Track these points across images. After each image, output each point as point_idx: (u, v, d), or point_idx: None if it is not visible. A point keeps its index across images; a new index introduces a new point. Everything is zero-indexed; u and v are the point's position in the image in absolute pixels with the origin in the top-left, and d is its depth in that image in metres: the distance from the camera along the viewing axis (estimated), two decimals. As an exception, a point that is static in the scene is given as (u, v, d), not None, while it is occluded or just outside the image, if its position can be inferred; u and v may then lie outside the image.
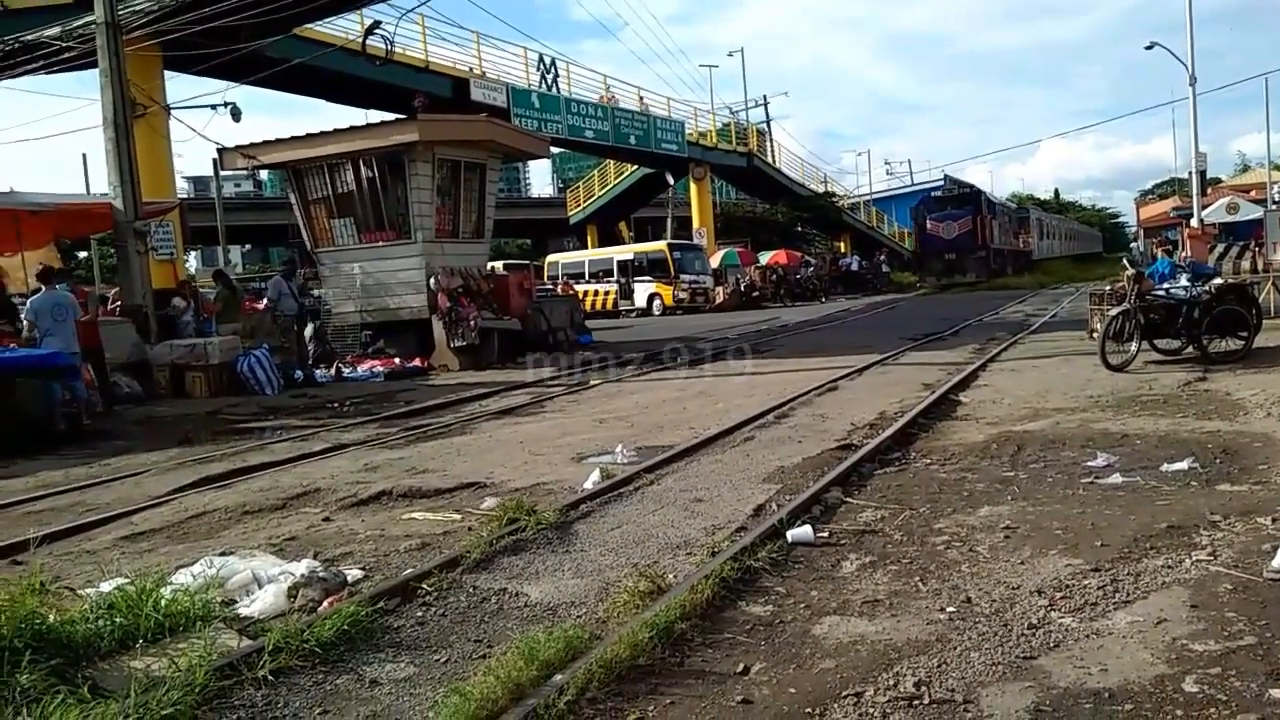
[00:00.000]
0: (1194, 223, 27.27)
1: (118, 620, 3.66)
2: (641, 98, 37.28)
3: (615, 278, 34.75)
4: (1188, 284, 10.17)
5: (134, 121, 14.57)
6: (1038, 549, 4.28)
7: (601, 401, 10.66)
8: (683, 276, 33.37)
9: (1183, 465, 5.59)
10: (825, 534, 4.71)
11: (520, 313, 16.96)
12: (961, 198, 42.57)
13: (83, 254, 38.60)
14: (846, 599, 3.85)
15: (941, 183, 46.38)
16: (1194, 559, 4.00)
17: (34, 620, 3.48)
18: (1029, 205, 60.57)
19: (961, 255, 41.04)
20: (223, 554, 4.73)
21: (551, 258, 39.51)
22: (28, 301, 11.03)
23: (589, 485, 5.97)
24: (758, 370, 12.95)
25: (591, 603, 3.95)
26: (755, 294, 35.17)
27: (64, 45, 16.86)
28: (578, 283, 33.86)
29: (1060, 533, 4.50)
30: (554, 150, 41.42)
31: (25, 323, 10.91)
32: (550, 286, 30.24)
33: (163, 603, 3.78)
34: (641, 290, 33.89)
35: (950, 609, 3.65)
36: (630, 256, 35.51)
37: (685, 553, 4.55)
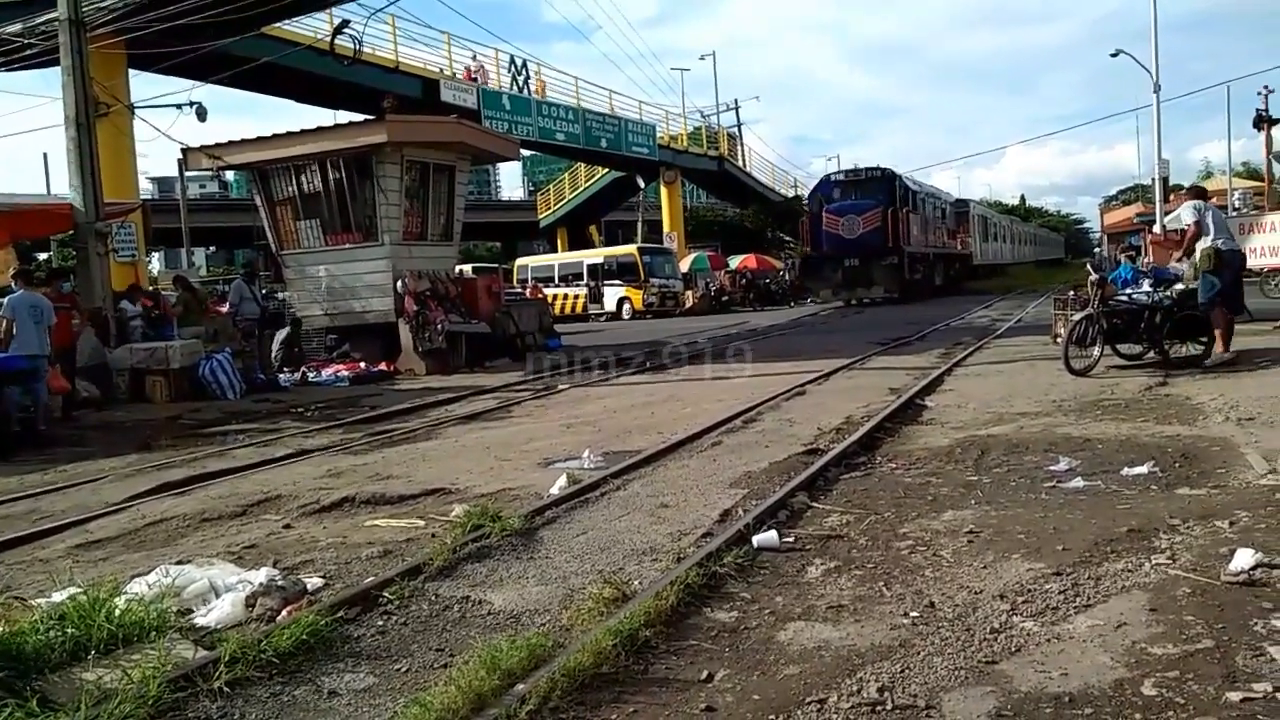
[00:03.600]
0: (1156, 229, 27.68)
1: (69, 631, 3.58)
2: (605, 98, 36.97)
3: (585, 281, 34.77)
4: (1150, 289, 10.29)
5: (97, 120, 14.34)
6: (1000, 553, 4.31)
7: (569, 406, 10.62)
8: (652, 280, 33.45)
9: (1143, 469, 5.65)
10: (791, 539, 4.70)
11: (488, 316, 16.88)
12: (870, 182, 31.79)
13: (42, 255, 38.06)
14: (811, 604, 3.85)
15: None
16: (1153, 562, 4.03)
17: (-19, 631, 3.41)
18: (971, 201, 48.37)
19: (867, 261, 30.15)
20: (180, 562, 4.64)
21: (521, 261, 39.50)
22: (5, 300, 10.80)
23: (555, 491, 5.94)
24: (726, 375, 12.97)
25: (555, 610, 3.92)
26: (725, 298, 35.29)
27: (25, 42, 16.62)
28: (547, 286, 33.81)
29: (1023, 537, 4.53)
30: (524, 153, 41.43)
31: (3, 321, 10.68)
32: (519, 290, 30.16)
33: (116, 613, 3.69)
34: (611, 294, 33.92)
35: (914, 614, 3.66)
36: (600, 260, 35.54)
37: (651, 559, 4.53)
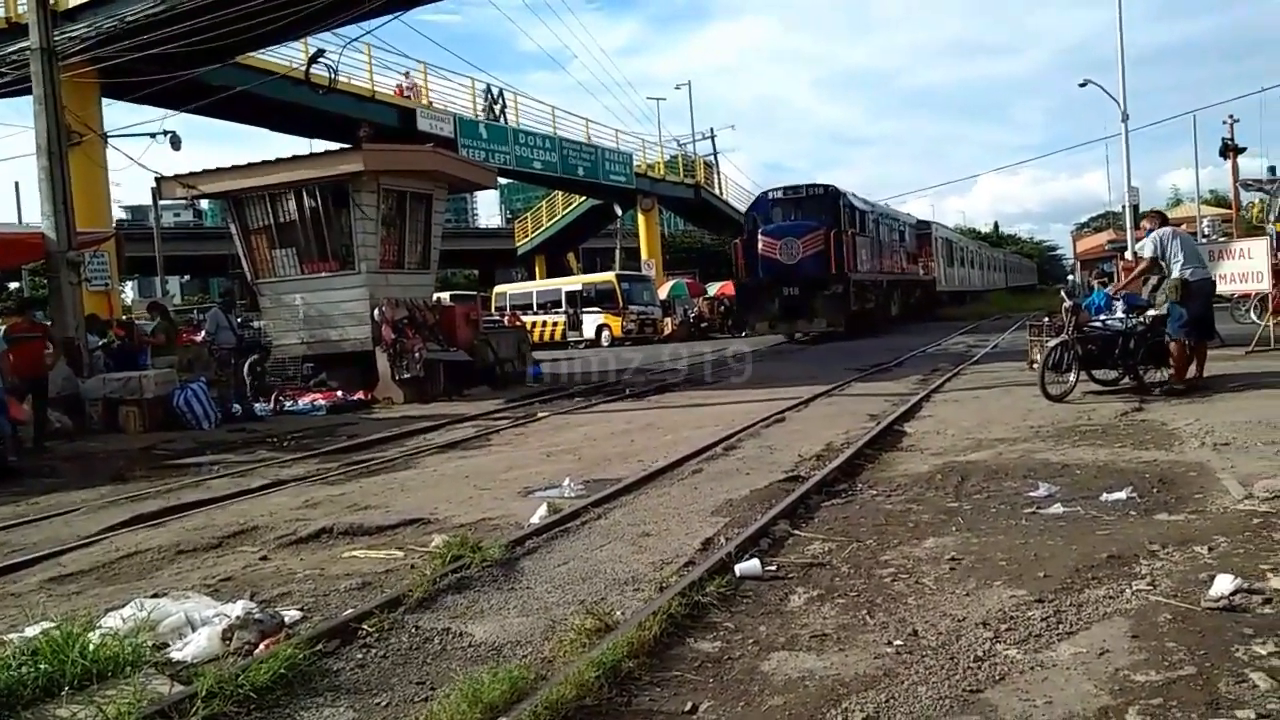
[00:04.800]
0: (1128, 255, 28.02)
1: (42, 667, 3.52)
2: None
3: (563, 309, 34.74)
4: (1123, 315, 10.42)
5: (69, 149, 14.24)
6: (982, 580, 4.31)
7: (549, 434, 10.59)
8: (631, 307, 33.45)
9: (1121, 495, 5.69)
10: (773, 567, 4.69)
11: (467, 344, 16.82)
12: (811, 200, 27.62)
13: (13, 285, 37.67)
14: (794, 634, 3.83)
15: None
16: (1134, 589, 4.05)
17: (-50, 669, 3.33)
18: (934, 223, 43.40)
19: (808, 290, 26.02)
20: (155, 596, 4.57)
21: (499, 288, 39.42)
22: None
23: (535, 520, 5.90)
24: (706, 402, 12.97)
25: (537, 641, 3.88)
26: (703, 325, 35.37)
27: (-3, 71, 16.52)
28: (526, 314, 33.77)
29: (1004, 564, 4.54)
30: (502, 181, 41.50)
31: None
32: (497, 317, 30.09)
33: (90, 648, 3.64)
34: (590, 321, 33.90)
35: (897, 642, 3.65)
36: (578, 287, 35.53)
37: (633, 588, 4.50)
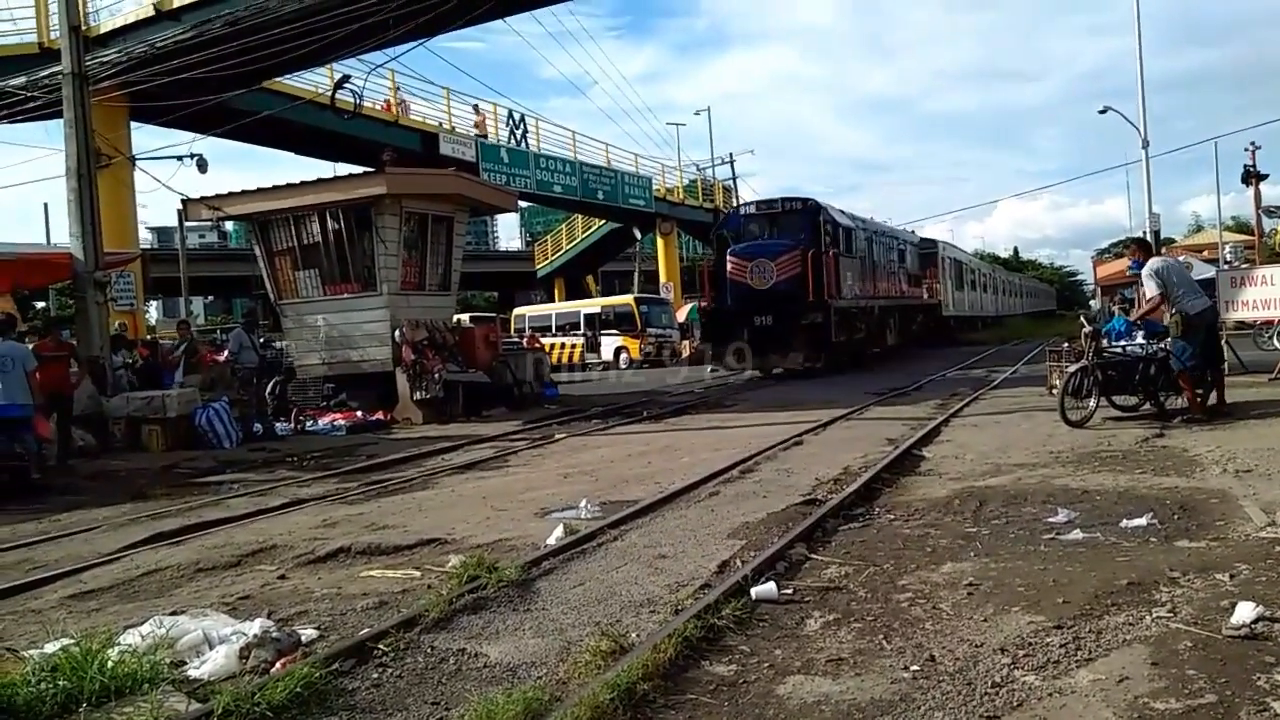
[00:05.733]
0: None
1: (61, 683, 3.56)
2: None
3: (582, 331, 34.82)
4: (1144, 341, 10.35)
5: (98, 172, 14.47)
6: (1001, 606, 4.28)
7: (566, 455, 10.60)
8: (649, 330, 33.48)
9: (1142, 521, 5.63)
10: (790, 591, 4.68)
11: (486, 365, 16.91)
12: (789, 216, 23.52)
13: (40, 304, 38.14)
14: (811, 658, 3.82)
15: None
16: (1154, 616, 4.01)
17: (-28, 684, 3.37)
18: (940, 241, 38.77)
19: (783, 319, 21.72)
20: (173, 613, 4.61)
21: (518, 310, 39.58)
22: None
23: (552, 541, 5.91)
24: (724, 424, 12.96)
25: (552, 663, 3.88)
26: (721, 348, 35.26)
27: (29, 95, 16.82)
28: (544, 336, 33.85)
29: (1022, 589, 4.50)
30: (522, 204, 41.74)
31: None
32: (517, 339, 30.17)
33: (109, 664, 3.67)
34: (608, 344, 33.96)
35: (914, 668, 3.63)
36: (597, 310, 35.63)
37: (649, 610, 4.50)
